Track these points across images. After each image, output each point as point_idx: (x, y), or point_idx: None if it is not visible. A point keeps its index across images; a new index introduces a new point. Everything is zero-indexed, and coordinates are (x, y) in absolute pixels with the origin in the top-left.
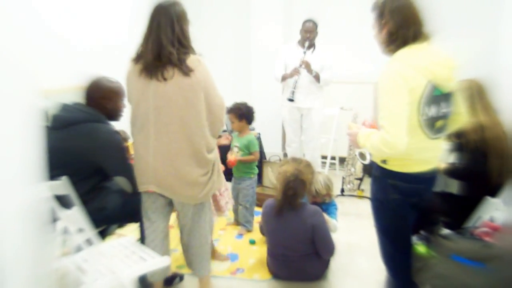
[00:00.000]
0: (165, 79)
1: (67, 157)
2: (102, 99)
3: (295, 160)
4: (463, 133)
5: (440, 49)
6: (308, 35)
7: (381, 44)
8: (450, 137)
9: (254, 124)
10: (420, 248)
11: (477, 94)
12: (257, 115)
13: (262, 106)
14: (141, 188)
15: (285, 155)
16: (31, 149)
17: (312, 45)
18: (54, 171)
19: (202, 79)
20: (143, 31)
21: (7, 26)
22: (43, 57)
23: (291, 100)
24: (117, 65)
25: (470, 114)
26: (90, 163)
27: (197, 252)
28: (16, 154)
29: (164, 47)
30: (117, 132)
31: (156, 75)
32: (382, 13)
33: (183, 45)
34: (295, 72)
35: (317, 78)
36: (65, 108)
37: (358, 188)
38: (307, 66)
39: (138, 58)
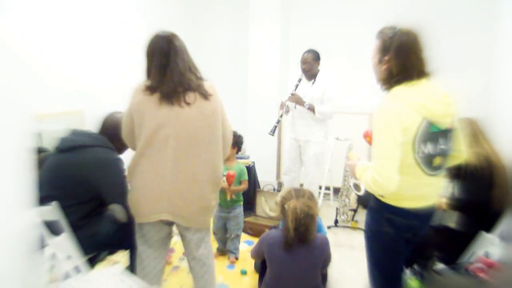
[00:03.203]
0: (188, 104)
1: (69, 179)
2: (118, 134)
3: (298, 193)
4: (467, 163)
5: (437, 85)
6: (304, 66)
7: (378, 79)
8: (449, 169)
9: (248, 153)
10: (413, 283)
11: (478, 129)
12: (251, 144)
13: (257, 135)
14: (152, 217)
15: (280, 184)
16: (22, 174)
17: (312, 77)
18: (54, 192)
19: (219, 104)
20: (151, 60)
21: None
22: (37, 81)
23: (270, 134)
24: (111, 91)
25: (474, 145)
26: (90, 187)
27: (201, 282)
28: (5, 179)
29: (183, 74)
30: (121, 160)
31: (178, 101)
32: (387, 48)
33: (196, 72)
34: (282, 105)
35: (311, 109)
36: (75, 132)
37: (352, 219)
38: (297, 100)
39: (153, 88)
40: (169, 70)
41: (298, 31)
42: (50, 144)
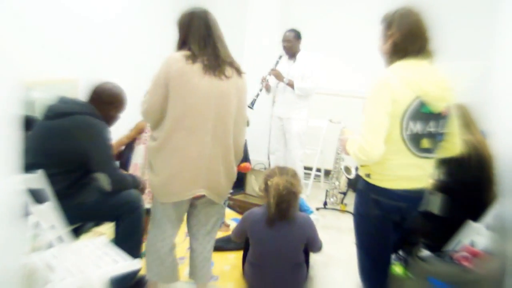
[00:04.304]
0: (227, 77)
1: (55, 146)
2: (106, 103)
3: (281, 170)
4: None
5: (438, 69)
6: (285, 44)
7: (384, 55)
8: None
9: None
10: (397, 268)
11: (470, 116)
12: None
13: (250, 114)
14: (187, 194)
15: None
16: (7, 140)
17: (292, 55)
18: (40, 160)
19: (246, 81)
20: (187, 33)
21: None
22: (29, 47)
23: (249, 107)
24: (107, 59)
25: (464, 133)
26: (76, 155)
27: (208, 256)
28: None
29: (223, 47)
30: (108, 129)
31: (220, 73)
32: (390, 24)
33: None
34: (262, 80)
35: (290, 85)
36: (62, 99)
37: (341, 202)
38: (277, 74)
39: (194, 58)
40: (210, 41)
41: (297, 13)
42: (40, 112)
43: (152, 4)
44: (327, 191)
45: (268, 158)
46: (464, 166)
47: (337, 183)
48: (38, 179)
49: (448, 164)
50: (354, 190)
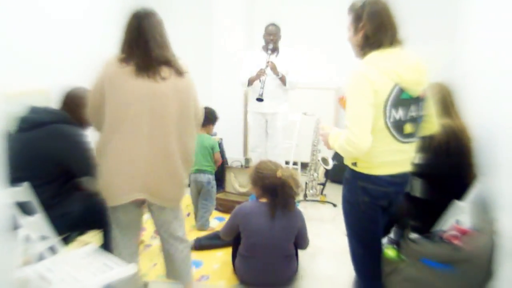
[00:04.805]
0: (163, 79)
1: (34, 158)
2: (79, 107)
3: (275, 163)
4: (433, 136)
5: (411, 54)
6: (271, 37)
7: (355, 46)
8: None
9: (215, 129)
10: (390, 251)
11: (449, 97)
12: (218, 122)
13: (223, 112)
14: (126, 198)
15: (247, 161)
16: None
17: (276, 49)
18: (20, 173)
19: (192, 82)
20: (124, 35)
21: None
22: (4, 59)
23: (260, 99)
24: (78, 68)
25: (443, 115)
26: (56, 165)
27: (182, 257)
28: None
29: (154, 49)
30: (84, 134)
31: (153, 75)
32: (359, 16)
33: (169, 49)
34: (261, 73)
35: (283, 80)
36: (33, 110)
37: (321, 193)
38: (273, 67)
39: (126, 61)
40: (140, 42)
41: (264, 5)
42: (11, 124)
43: (120, 11)
44: (306, 183)
45: (244, 155)
46: (443, 153)
47: (315, 174)
48: (24, 192)
49: (427, 151)
50: (332, 180)
